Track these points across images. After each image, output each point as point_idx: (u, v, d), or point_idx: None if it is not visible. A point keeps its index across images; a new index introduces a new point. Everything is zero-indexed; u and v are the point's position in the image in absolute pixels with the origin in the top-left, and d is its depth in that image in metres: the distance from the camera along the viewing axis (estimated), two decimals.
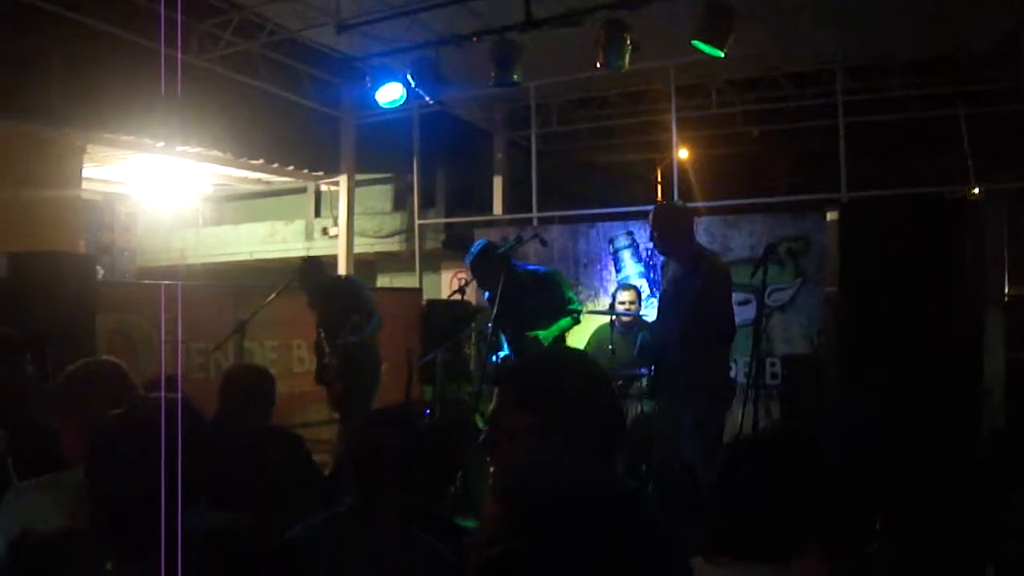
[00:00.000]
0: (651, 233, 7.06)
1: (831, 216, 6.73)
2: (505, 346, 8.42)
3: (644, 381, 8.57)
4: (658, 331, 7.24)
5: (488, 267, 8.02)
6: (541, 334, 8.12)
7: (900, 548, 3.49)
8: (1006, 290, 9.79)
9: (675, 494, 6.61)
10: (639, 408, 8.56)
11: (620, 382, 8.43)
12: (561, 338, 8.27)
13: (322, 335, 9.00)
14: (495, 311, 8.04)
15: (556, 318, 8.11)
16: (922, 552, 3.32)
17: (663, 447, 7.06)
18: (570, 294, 8.37)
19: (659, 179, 21.35)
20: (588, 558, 2.00)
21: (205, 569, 2.39)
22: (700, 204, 13.71)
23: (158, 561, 2.20)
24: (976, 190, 12.59)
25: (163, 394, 2.57)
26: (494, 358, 8.37)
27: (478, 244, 8.34)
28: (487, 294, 8.42)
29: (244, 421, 4.85)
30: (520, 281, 8.01)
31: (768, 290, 8.17)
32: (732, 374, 10.38)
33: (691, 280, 6.71)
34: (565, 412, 2.18)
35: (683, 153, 15.60)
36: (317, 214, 20.10)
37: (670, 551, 2.18)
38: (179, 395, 2.62)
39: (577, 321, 8.20)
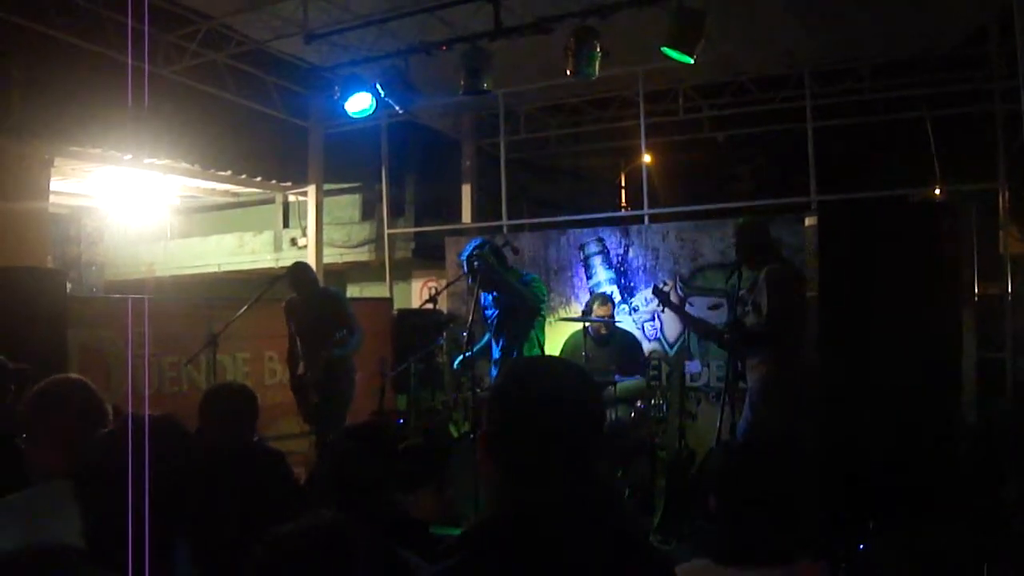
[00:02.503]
0: (736, 247, 7.54)
1: (809, 221, 6.82)
2: (495, 350, 8.47)
3: (615, 388, 8.62)
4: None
5: (490, 267, 8.08)
6: (541, 339, 8.28)
7: (895, 548, 3.52)
8: (975, 290, 9.88)
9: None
10: (614, 414, 8.58)
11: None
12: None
13: (298, 344, 8.98)
14: (501, 309, 8.15)
15: (532, 323, 8.22)
16: (917, 551, 3.35)
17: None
18: (544, 302, 8.45)
19: (624, 185, 21.43)
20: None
21: None
22: (667, 210, 13.74)
23: None
24: (940, 192, 12.69)
25: (146, 412, 2.56)
26: (458, 361, 8.41)
27: (479, 240, 8.39)
28: (486, 296, 8.42)
29: (226, 440, 4.81)
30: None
31: (741, 293, 8.22)
32: (705, 379, 10.49)
33: (758, 285, 7.12)
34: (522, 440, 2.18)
35: (650, 159, 15.61)
36: (286, 225, 20.05)
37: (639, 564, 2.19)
38: (146, 414, 2.62)
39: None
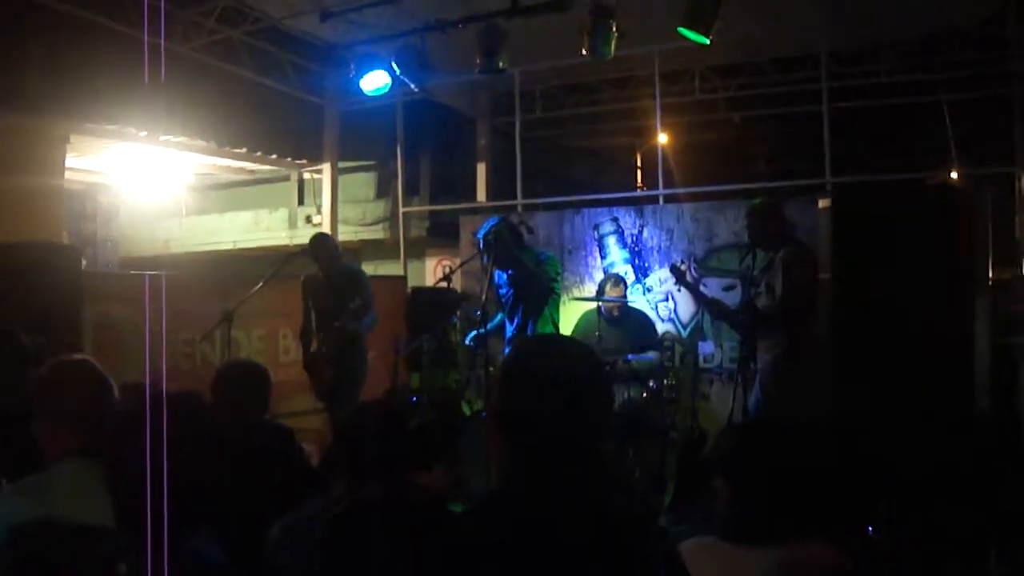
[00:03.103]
0: (748, 231, 7.67)
1: (823, 203, 6.81)
2: (509, 328, 8.51)
3: (633, 364, 8.63)
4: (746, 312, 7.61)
5: (506, 246, 8.12)
6: (555, 316, 8.33)
7: (905, 532, 3.53)
8: (990, 274, 9.85)
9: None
10: (626, 394, 8.59)
11: (608, 367, 8.46)
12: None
13: (313, 319, 8.99)
14: (516, 288, 8.18)
15: (547, 301, 8.26)
16: (926, 535, 3.36)
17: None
18: (558, 281, 8.49)
19: (639, 165, 21.38)
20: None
21: None
22: (683, 190, 13.72)
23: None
24: (957, 174, 12.65)
25: (163, 388, 2.58)
26: (471, 336, 8.45)
27: (497, 219, 8.41)
28: (501, 275, 8.44)
29: (238, 417, 4.82)
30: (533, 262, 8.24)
31: (755, 274, 8.22)
32: (718, 359, 10.48)
33: (771, 268, 7.26)
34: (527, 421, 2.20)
35: (666, 139, 15.57)
36: (300, 202, 20.04)
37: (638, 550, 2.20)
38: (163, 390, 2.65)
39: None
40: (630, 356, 8.66)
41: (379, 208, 18.88)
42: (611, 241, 11.61)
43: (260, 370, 5.28)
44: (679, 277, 7.86)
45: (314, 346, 8.98)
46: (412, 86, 10.92)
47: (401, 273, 14.11)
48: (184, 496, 2.44)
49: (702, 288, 9.35)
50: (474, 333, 8.34)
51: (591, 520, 2.10)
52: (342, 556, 2.28)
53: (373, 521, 2.32)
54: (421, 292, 12.93)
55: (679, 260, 10.23)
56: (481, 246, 8.25)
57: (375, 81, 10.74)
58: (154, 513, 2.33)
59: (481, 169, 15.38)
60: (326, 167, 15.15)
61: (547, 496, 2.12)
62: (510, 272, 8.41)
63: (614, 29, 9.25)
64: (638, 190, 20.60)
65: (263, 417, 5.09)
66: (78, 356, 3.49)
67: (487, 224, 8.28)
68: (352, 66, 10.91)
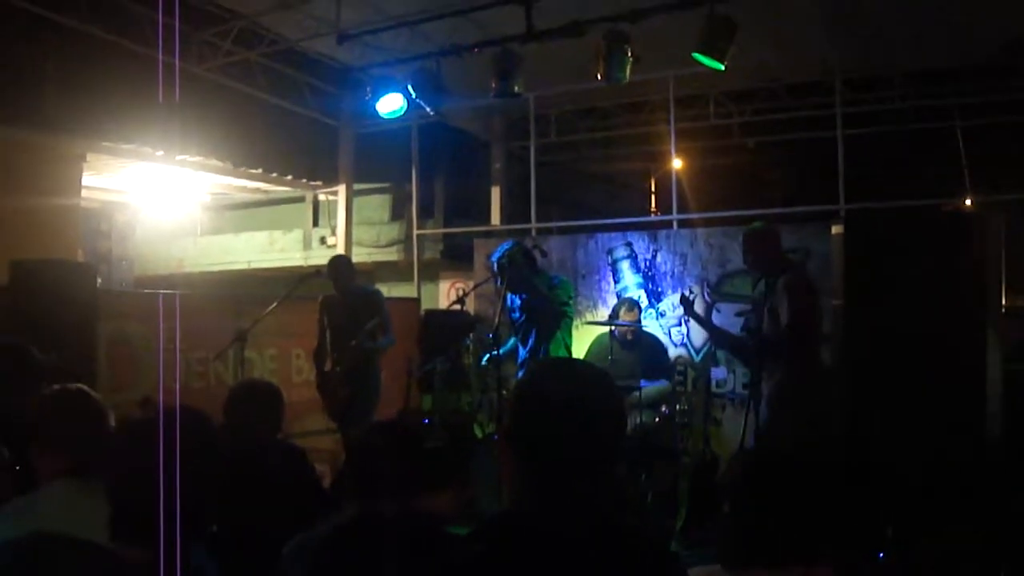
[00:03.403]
0: (744, 256, 7.68)
1: (836, 229, 6.81)
2: (522, 352, 8.52)
3: (640, 394, 8.63)
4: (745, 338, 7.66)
5: (519, 269, 8.14)
6: (568, 340, 8.35)
7: (914, 555, 3.52)
8: (1003, 300, 9.83)
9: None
10: (639, 419, 8.59)
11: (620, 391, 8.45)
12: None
13: (328, 339, 9.02)
14: (529, 312, 8.20)
15: (559, 325, 8.28)
16: (935, 559, 3.35)
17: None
18: (570, 305, 8.51)
19: (653, 190, 21.40)
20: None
21: None
22: (697, 215, 13.74)
23: None
24: (971, 201, 12.65)
25: (177, 405, 2.60)
26: (485, 358, 8.46)
27: (511, 243, 8.45)
28: (514, 299, 8.46)
29: (251, 437, 4.83)
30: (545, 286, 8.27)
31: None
32: (731, 385, 10.47)
33: (773, 294, 7.16)
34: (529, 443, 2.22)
35: (680, 164, 15.59)
36: (315, 223, 20.10)
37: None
38: (177, 408, 2.67)
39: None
40: (643, 383, 8.66)
41: (393, 230, 18.93)
42: (624, 266, 11.62)
43: (273, 389, 5.28)
44: (687, 308, 7.87)
45: (328, 366, 9.00)
46: (427, 109, 10.96)
47: (415, 295, 14.13)
48: (191, 514, 2.45)
49: (715, 313, 9.36)
50: (488, 356, 8.36)
51: (602, 542, 2.10)
52: (340, 571, 2.28)
53: (375, 538, 2.32)
54: (434, 314, 12.97)
55: (689, 288, 10.23)
56: (495, 269, 8.27)
57: (391, 104, 10.80)
58: (160, 530, 2.34)
59: (495, 193, 15.43)
60: (341, 188, 15.21)
61: (558, 518, 2.12)
62: (523, 296, 8.43)
63: (629, 54, 9.28)
64: (652, 215, 20.62)
65: (275, 437, 5.09)
66: (75, 386, 3.54)
67: (501, 248, 8.30)
68: (368, 88, 10.97)
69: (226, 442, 3.81)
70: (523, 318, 8.50)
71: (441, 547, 2.22)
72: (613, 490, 2.26)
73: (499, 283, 8.18)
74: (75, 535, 2.63)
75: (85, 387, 3.54)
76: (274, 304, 9.01)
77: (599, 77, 9.49)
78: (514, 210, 15.19)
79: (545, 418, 2.19)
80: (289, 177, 16.17)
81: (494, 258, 8.29)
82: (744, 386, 7.80)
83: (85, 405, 3.43)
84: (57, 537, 2.53)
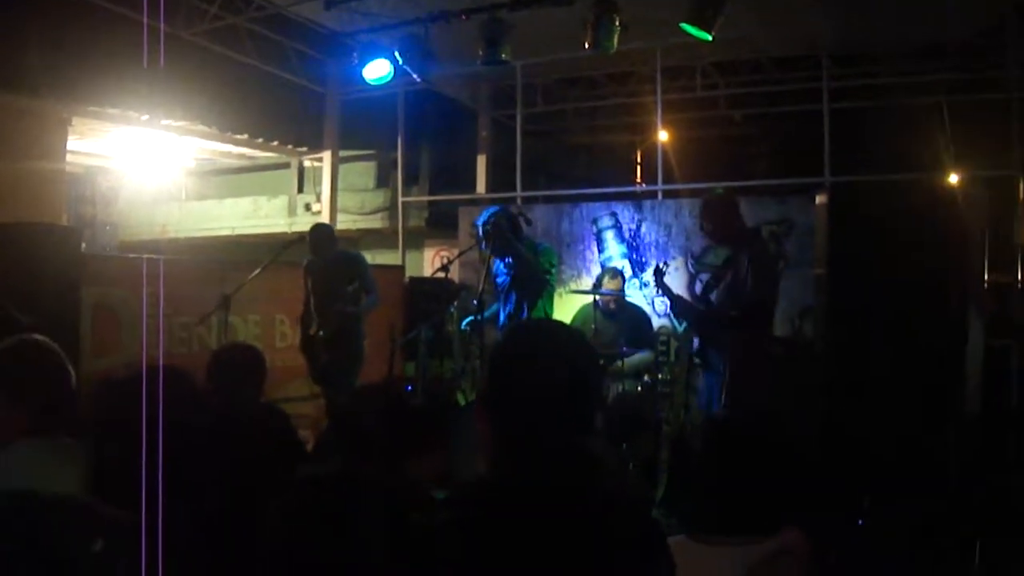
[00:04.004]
0: (703, 224, 7.55)
1: (820, 199, 6.83)
2: (502, 316, 8.53)
3: (623, 362, 8.66)
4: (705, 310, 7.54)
5: (504, 235, 8.14)
6: (549, 309, 8.35)
7: (890, 523, 3.55)
8: (985, 276, 9.88)
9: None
10: (621, 388, 8.62)
11: (602, 361, 8.49)
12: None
13: (312, 303, 9.04)
14: (513, 276, 8.19)
15: (541, 293, 8.29)
16: (911, 527, 3.38)
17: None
18: (552, 273, 8.51)
19: (640, 161, 21.40)
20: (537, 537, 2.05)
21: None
22: (683, 186, 13.76)
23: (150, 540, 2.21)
24: (956, 178, 12.67)
25: (160, 368, 2.61)
26: (467, 321, 8.48)
27: (496, 208, 8.45)
28: (499, 263, 8.46)
29: (233, 400, 4.85)
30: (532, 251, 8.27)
31: (716, 269, 8.25)
32: None
33: (737, 264, 7.11)
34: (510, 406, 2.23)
35: (666, 135, 15.59)
36: (300, 190, 20.07)
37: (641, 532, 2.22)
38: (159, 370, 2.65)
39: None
40: (625, 350, 8.69)
41: (378, 197, 18.91)
42: (609, 236, 11.65)
43: (255, 352, 5.31)
44: (658, 278, 7.85)
45: (313, 329, 9.02)
46: (414, 76, 10.94)
47: (399, 263, 14.14)
48: (174, 474, 2.45)
49: (697, 283, 9.38)
50: (470, 319, 8.37)
51: (578, 505, 2.12)
52: (316, 521, 2.29)
53: (354, 494, 2.33)
54: (419, 282, 12.99)
55: (665, 261, 10.25)
56: (480, 234, 8.28)
57: (377, 70, 10.78)
58: (143, 490, 2.34)
59: (481, 161, 15.40)
60: (326, 155, 15.17)
61: (533, 481, 2.13)
62: (508, 260, 8.43)
63: (617, 23, 9.29)
64: (638, 186, 20.62)
65: (258, 400, 5.11)
66: (35, 336, 3.40)
67: (486, 213, 8.31)
68: (355, 54, 10.94)
69: (208, 403, 3.80)
70: (507, 283, 8.51)
71: (421, 509, 2.22)
72: (588, 451, 2.27)
73: (483, 247, 8.19)
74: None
75: (44, 338, 3.39)
76: (258, 270, 9.00)
77: (587, 46, 9.49)
78: (500, 179, 15.16)
79: (521, 378, 2.19)
80: (274, 143, 16.14)
81: (479, 222, 8.29)
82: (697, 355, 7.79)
83: (45, 356, 3.31)
84: (34, 494, 2.54)
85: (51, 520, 2.46)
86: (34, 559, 2.36)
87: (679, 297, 8.21)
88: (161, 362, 2.75)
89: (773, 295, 7.16)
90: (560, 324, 2.78)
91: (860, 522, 4.12)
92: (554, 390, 2.17)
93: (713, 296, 7.32)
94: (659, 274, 7.92)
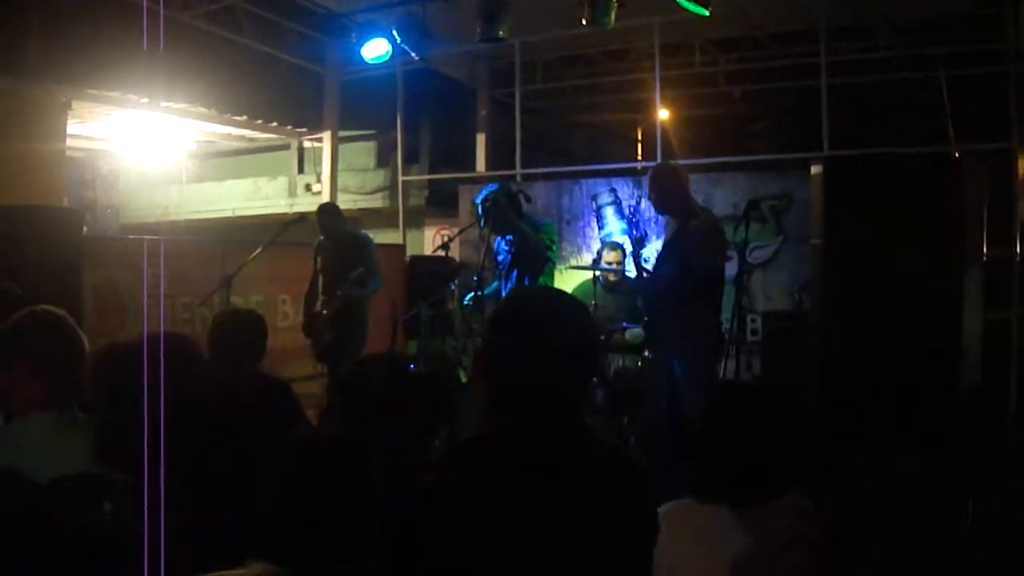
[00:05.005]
0: (649, 193, 7.41)
1: (815, 169, 6.82)
2: (502, 292, 8.53)
3: (627, 335, 8.69)
4: (653, 284, 7.40)
5: (504, 212, 8.13)
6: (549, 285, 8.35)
7: (884, 485, 3.59)
8: (984, 250, 9.89)
9: (667, 444, 6.81)
10: (621, 362, 8.65)
11: (603, 336, 8.52)
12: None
13: (320, 283, 9.09)
14: (514, 254, 8.19)
15: (542, 269, 8.29)
16: (904, 487, 3.42)
17: (655, 397, 7.27)
18: (553, 250, 8.52)
19: (640, 138, 21.38)
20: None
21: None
22: (682, 162, 13.78)
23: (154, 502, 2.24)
24: (955, 152, 12.68)
25: (161, 345, 2.63)
26: (468, 297, 8.49)
27: (495, 186, 8.44)
28: (499, 241, 8.46)
29: (234, 365, 4.85)
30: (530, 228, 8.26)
31: (750, 247, 8.25)
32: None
33: (684, 236, 6.96)
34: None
35: (665, 112, 15.59)
36: (300, 171, 20.04)
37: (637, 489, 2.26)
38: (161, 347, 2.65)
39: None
40: (625, 324, 8.72)
41: (379, 177, 18.90)
42: (609, 212, 11.67)
43: (256, 317, 5.29)
44: (635, 249, 7.79)
45: (318, 308, 9.08)
46: (413, 55, 10.96)
47: (400, 242, 14.15)
48: (176, 441, 2.46)
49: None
50: (471, 295, 8.39)
51: (567, 458, 2.15)
52: (316, 478, 2.32)
53: (355, 453, 2.36)
54: (419, 260, 13.02)
55: (643, 233, 10.23)
56: (479, 211, 8.29)
57: (376, 49, 10.80)
58: (147, 459, 2.36)
59: (481, 139, 15.40)
60: (326, 136, 15.19)
61: (526, 435, 2.17)
62: (508, 238, 8.44)
63: None
64: (637, 163, 20.62)
65: (259, 365, 5.10)
66: (47, 306, 3.36)
67: (485, 190, 8.31)
68: (353, 34, 10.95)
69: (210, 370, 3.79)
70: (508, 260, 8.52)
71: (419, 473, 2.26)
72: (582, 414, 2.30)
73: (483, 225, 8.20)
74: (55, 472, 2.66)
75: (57, 309, 3.35)
76: (259, 250, 9.03)
77: (584, 22, 9.50)
78: (499, 157, 15.16)
79: (518, 341, 2.23)
80: (274, 124, 16.15)
81: (478, 200, 8.30)
82: (726, 331, 7.74)
83: (58, 326, 3.27)
84: (32, 480, 2.56)
85: (61, 496, 2.50)
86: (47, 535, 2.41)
87: (641, 270, 8.19)
88: (162, 332, 2.77)
89: (718, 268, 7.07)
90: (559, 290, 2.82)
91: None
92: (551, 350, 2.20)
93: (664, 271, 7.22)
94: (639, 244, 7.91)
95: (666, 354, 7.11)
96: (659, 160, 12.35)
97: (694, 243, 6.87)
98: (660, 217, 10.87)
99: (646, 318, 7.61)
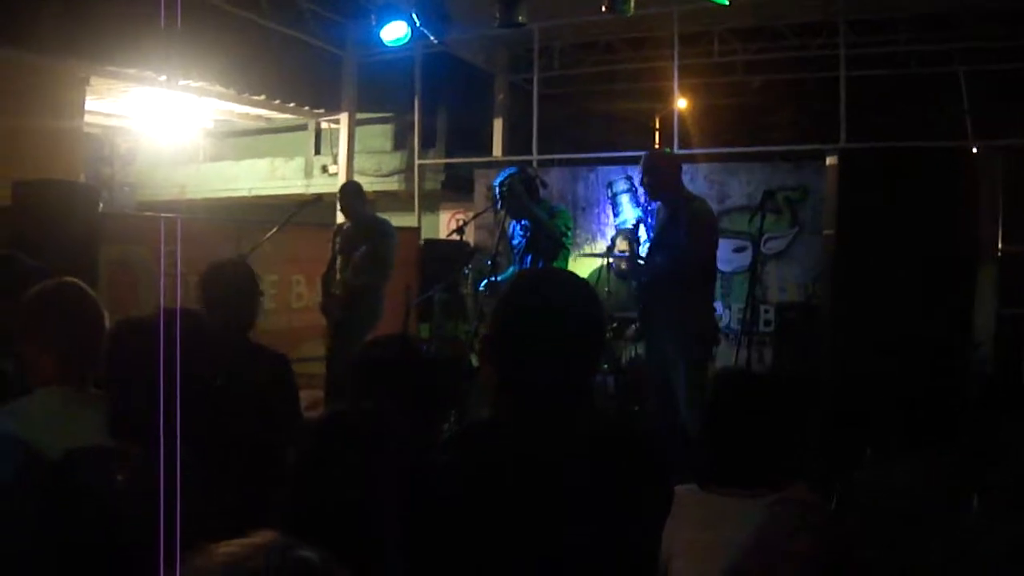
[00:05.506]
0: (641, 179, 7.39)
1: (831, 160, 6.81)
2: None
3: (639, 324, 8.71)
4: (645, 273, 7.38)
5: (519, 196, 8.11)
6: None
7: (888, 474, 3.60)
8: (999, 246, 9.87)
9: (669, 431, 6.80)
10: (633, 351, 8.67)
11: (615, 324, 8.54)
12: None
13: (338, 264, 9.11)
14: (529, 238, 8.17)
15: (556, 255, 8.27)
16: (909, 478, 3.43)
17: (652, 384, 7.27)
18: (568, 236, 8.50)
19: (658, 127, 21.36)
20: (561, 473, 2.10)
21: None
22: (699, 151, 13.76)
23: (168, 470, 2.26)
24: (973, 148, 12.65)
25: (177, 323, 2.65)
26: (483, 284, 8.49)
27: (512, 170, 8.42)
28: (515, 225, 8.43)
29: (230, 321, 4.69)
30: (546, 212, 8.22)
31: (764, 238, 8.24)
32: (726, 320, 10.53)
33: (676, 224, 6.96)
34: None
35: (683, 102, 15.58)
36: (317, 152, 20.06)
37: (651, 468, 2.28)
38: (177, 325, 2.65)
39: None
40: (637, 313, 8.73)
41: (395, 160, 18.91)
42: (624, 199, 11.68)
43: (247, 267, 5.16)
44: (633, 234, 7.77)
45: (334, 289, 9.11)
46: (431, 38, 10.96)
47: (415, 225, 14.19)
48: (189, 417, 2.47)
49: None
50: (486, 281, 8.39)
51: (575, 440, 2.17)
52: (326, 456, 2.34)
53: (363, 432, 2.37)
54: (434, 244, 13.04)
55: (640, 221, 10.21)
56: (496, 195, 8.29)
57: (395, 32, 10.79)
58: (163, 431, 2.37)
59: (497, 124, 15.41)
60: (344, 117, 15.21)
61: (533, 417, 2.19)
62: (523, 222, 8.43)
63: None
64: None
65: (254, 320, 4.94)
66: (67, 279, 3.31)
67: (502, 174, 8.30)
68: (372, 16, 10.95)
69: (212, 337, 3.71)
70: (523, 245, 8.50)
71: (428, 453, 2.27)
72: (589, 395, 2.32)
73: (499, 208, 8.20)
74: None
75: (80, 282, 3.32)
76: (274, 229, 9.03)
77: (604, 9, 9.49)
78: (516, 143, 15.17)
79: (527, 320, 2.24)
80: (292, 105, 16.14)
81: (495, 183, 8.29)
82: (739, 321, 7.72)
83: (77, 300, 3.24)
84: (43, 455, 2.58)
85: (75, 468, 2.53)
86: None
87: (635, 256, 8.15)
88: (178, 309, 2.78)
89: (711, 256, 7.06)
90: (568, 272, 2.83)
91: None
92: (557, 333, 2.21)
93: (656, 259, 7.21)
94: (635, 228, 7.89)
95: (660, 343, 7.10)
96: (676, 148, 12.35)
97: (687, 232, 6.86)
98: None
99: (641, 306, 7.58)
